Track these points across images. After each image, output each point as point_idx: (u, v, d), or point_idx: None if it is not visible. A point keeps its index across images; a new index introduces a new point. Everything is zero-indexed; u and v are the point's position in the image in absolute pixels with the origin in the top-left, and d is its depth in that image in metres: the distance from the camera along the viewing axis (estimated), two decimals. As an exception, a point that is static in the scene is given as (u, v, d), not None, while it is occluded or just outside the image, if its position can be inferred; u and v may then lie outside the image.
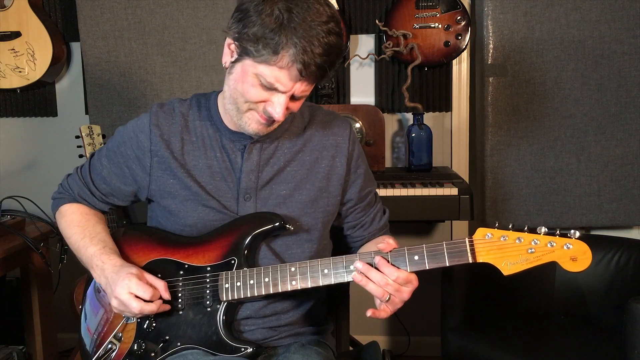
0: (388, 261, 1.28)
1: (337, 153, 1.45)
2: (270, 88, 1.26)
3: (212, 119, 1.43)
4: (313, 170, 1.43)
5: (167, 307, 1.37)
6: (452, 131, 2.81)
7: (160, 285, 1.36)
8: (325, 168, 1.44)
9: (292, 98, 1.29)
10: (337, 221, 1.52)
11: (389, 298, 1.27)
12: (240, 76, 1.29)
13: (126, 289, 1.32)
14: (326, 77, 1.27)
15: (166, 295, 1.36)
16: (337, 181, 1.45)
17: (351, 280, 1.31)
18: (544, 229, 1.22)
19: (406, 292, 1.28)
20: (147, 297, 1.32)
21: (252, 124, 1.32)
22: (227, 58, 1.32)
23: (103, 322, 1.46)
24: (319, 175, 1.43)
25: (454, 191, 2.31)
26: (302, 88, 1.27)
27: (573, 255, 1.20)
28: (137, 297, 1.32)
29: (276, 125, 1.36)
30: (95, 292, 1.52)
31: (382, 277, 1.26)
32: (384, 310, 1.30)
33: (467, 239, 1.25)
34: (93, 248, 1.43)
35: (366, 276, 1.27)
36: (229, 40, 1.30)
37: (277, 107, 1.27)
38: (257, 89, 1.27)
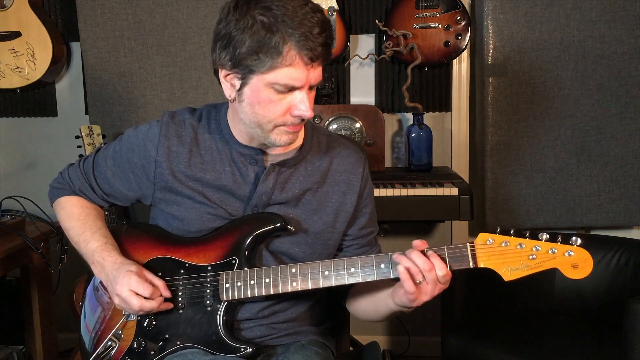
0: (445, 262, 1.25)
1: (348, 190, 1.44)
2: (288, 90, 1.25)
3: (221, 132, 1.41)
4: (323, 204, 1.42)
5: (169, 305, 1.38)
6: (452, 131, 2.81)
7: (160, 283, 1.36)
8: (335, 203, 1.43)
9: (309, 88, 1.28)
10: (336, 253, 1.49)
11: (420, 282, 1.23)
12: (253, 98, 1.27)
13: (127, 287, 1.32)
14: (330, 54, 1.26)
15: (166, 293, 1.36)
16: (345, 218, 1.44)
17: (352, 283, 1.30)
18: (545, 235, 1.21)
19: (438, 289, 1.25)
20: (146, 295, 1.32)
21: (282, 137, 1.31)
22: (230, 91, 1.31)
23: (100, 320, 1.47)
24: (327, 210, 1.42)
25: (454, 191, 2.31)
26: (315, 75, 1.25)
27: (574, 262, 1.20)
28: (137, 294, 1.32)
29: (302, 128, 1.34)
30: (94, 291, 1.52)
31: (427, 262, 1.22)
32: (417, 298, 1.25)
33: (468, 244, 1.24)
34: (94, 244, 1.43)
35: (408, 257, 1.24)
36: (224, 73, 1.29)
37: (302, 105, 1.26)
38: (276, 102, 1.26)
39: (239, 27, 1.21)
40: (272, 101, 1.26)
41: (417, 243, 1.26)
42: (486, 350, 2.02)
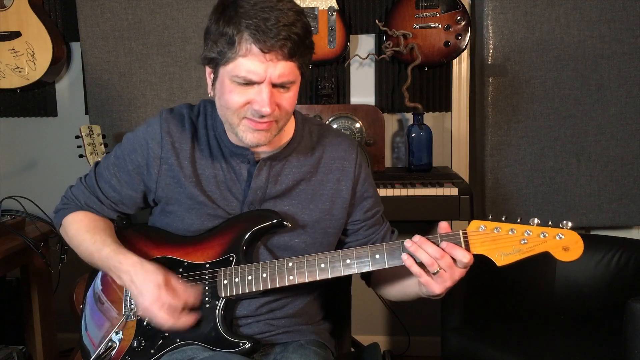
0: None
1: (342, 177, 1.44)
2: (247, 83, 1.25)
3: (216, 129, 1.42)
4: (318, 193, 1.43)
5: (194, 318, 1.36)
6: (452, 131, 2.81)
7: (188, 293, 1.35)
8: (330, 191, 1.43)
9: (276, 86, 1.26)
10: (348, 238, 1.50)
11: (438, 272, 1.24)
12: (220, 91, 1.30)
13: (157, 305, 1.31)
14: (299, 48, 1.24)
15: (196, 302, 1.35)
16: (342, 205, 1.44)
17: (348, 274, 1.31)
18: (536, 220, 1.23)
19: (458, 273, 1.26)
20: (179, 307, 1.32)
21: (247, 133, 1.30)
22: (209, 87, 1.34)
23: (111, 330, 1.46)
24: (323, 198, 1.43)
25: (454, 191, 2.31)
26: (277, 72, 1.24)
27: (565, 245, 1.22)
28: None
29: (274, 130, 1.32)
30: (97, 303, 1.51)
31: (438, 250, 1.24)
32: (431, 283, 1.26)
33: (461, 231, 1.26)
34: (105, 250, 1.40)
35: (420, 247, 1.25)
36: (207, 70, 1.33)
37: (260, 99, 1.25)
38: (237, 93, 1.26)
39: (212, 20, 1.27)
40: (232, 91, 1.27)
41: (443, 225, 1.28)
42: (486, 350, 2.02)
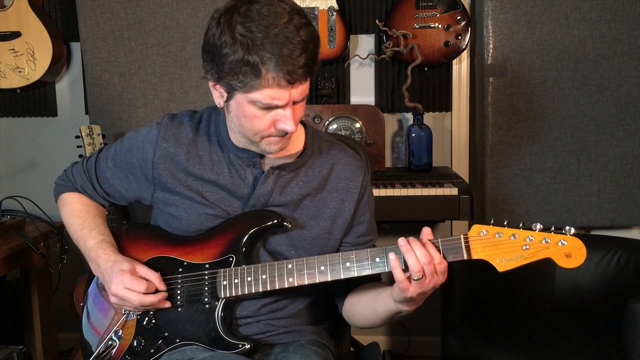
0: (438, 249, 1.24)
1: (347, 197, 1.44)
2: (271, 108, 1.26)
3: (219, 135, 1.42)
4: (320, 210, 1.43)
5: (168, 303, 1.39)
6: (452, 131, 2.81)
7: (154, 276, 1.38)
8: (332, 210, 1.43)
9: (295, 103, 1.28)
10: None
11: (421, 278, 1.22)
12: (239, 112, 1.29)
13: (121, 285, 1.34)
14: (315, 70, 1.26)
15: (161, 287, 1.38)
16: (342, 225, 1.44)
17: (347, 277, 1.30)
18: (539, 226, 1.22)
19: (439, 281, 1.24)
20: (142, 290, 1.34)
21: (271, 146, 1.33)
22: (219, 99, 1.33)
23: (114, 322, 1.46)
24: (324, 216, 1.43)
25: (454, 191, 2.31)
26: (298, 92, 1.26)
27: (567, 251, 1.20)
28: (133, 291, 1.34)
29: (290, 136, 1.35)
30: (100, 290, 1.52)
31: (426, 254, 1.21)
32: (408, 289, 1.22)
33: (462, 236, 1.24)
34: (91, 241, 1.45)
35: (410, 246, 1.23)
36: (212, 82, 1.31)
37: (286, 119, 1.27)
38: (260, 117, 1.27)
39: (221, 44, 1.23)
40: (256, 116, 1.27)
41: (427, 231, 1.25)
42: (486, 350, 2.02)
